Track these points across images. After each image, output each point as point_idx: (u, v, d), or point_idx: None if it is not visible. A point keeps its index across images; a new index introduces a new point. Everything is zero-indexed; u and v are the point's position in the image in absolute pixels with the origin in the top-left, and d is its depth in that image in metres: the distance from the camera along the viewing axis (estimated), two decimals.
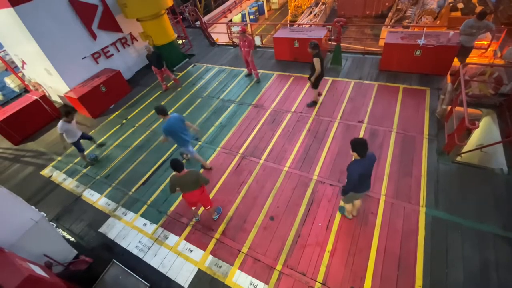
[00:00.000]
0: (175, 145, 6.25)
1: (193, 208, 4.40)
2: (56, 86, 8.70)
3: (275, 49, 9.02)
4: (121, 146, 6.84)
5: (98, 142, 7.01)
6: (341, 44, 7.76)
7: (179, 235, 4.62)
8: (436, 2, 14.62)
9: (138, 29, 9.53)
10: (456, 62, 6.57)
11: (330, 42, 8.83)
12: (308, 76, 6.33)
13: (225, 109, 7.27)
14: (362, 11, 19.98)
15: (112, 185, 5.83)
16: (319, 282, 3.68)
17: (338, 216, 4.38)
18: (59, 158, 6.95)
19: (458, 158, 4.90)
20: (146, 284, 3.88)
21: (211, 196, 5.07)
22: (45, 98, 8.35)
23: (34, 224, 3.88)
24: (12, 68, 9.66)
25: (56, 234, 4.44)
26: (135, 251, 4.54)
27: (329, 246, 4.04)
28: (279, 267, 3.92)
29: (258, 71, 8.21)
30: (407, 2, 17.40)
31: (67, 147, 6.72)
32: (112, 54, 9.20)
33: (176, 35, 9.95)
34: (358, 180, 3.33)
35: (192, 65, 9.94)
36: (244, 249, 4.21)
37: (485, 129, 5.70)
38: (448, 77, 6.62)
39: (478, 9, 12.11)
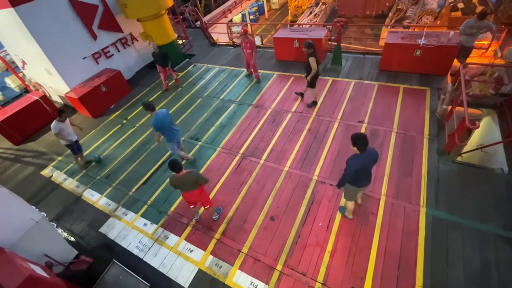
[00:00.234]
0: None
1: (192, 206, 4.39)
2: (56, 86, 8.71)
3: (275, 49, 9.03)
4: (121, 146, 6.85)
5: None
6: (341, 44, 7.76)
7: (179, 235, 4.62)
8: (437, 2, 14.62)
9: (139, 29, 9.54)
10: (456, 62, 6.57)
11: (330, 42, 8.84)
12: (304, 75, 6.33)
13: (225, 109, 7.27)
14: (362, 11, 19.99)
15: (112, 185, 5.84)
16: (319, 282, 3.68)
17: (338, 216, 4.38)
18: (60, 158, 6.96)
19: (459, 158, 4.90)
20: (147, 284, 3.88)
21: (211, 196, 5.07)
22: (45, 98, 8.36)
23: (34, 224, 3.89)
24: (12, 68, 9.68)
25: (56, 234, 4.44)
26: (135, 251, 4.54)
27: (330, 246, 4.03)
28: (279, 267, 3.92)
29: (259, 71, 8.20)
30: (408, 2, 17.39)
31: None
32: (113, 54, 9.21)
33: (176, 35, 9.96)
34: (354, 174, 3.40)
35: (193, 65, 9.95)
36: (245, 249, 4.21)
37: (486, 129, 5.70)
38: (449, 77, 6.61)
39: (479, 9, 12.09)
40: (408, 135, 5.44)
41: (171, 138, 5.18)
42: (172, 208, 5.07)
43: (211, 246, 4.35)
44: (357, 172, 3.39)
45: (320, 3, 21.91)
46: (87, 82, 8.39)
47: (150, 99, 8.46)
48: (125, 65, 9.64)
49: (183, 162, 5.93)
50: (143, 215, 5.08)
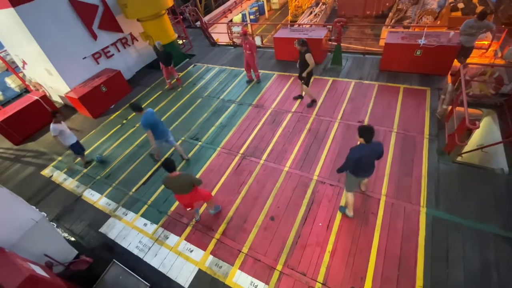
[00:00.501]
0: (174, 147, 6.25)
1: (188, 209, 4.37)
2: (56, 86, 8.71)
3: (276, 49, 9.03)
4: (121, 146, 6.85)
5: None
6: (341, 44, 7.76)
7: (179, 235, 4.62)
8: (437, 2, 14.62)
9: (139, 29, 9.54)
10: (456, 62, 6.57)
11: (330, 42, 8.83)
12: (297, 75, 6.28)
13: (225, 109, 7.27)
14: (362, 11, 20.00)
15: (112, 185, 5.84)
16: (319, 282, 3.68)
17: (338, 216, 4.38)
18: (60, 158, 6.96)
19: (459, 158, 4.90)
20: (147, 284, 3.88)
21: None
22: (45, 98, 8.36)
23: (34, 224, 3.89)
24: (12, 68, 9.68)
25: (56, 234, 4.44)
26: (135, 251, 4.54)
27: (330, 246, 4.03)
28: (279, 267, 3.92)
29: (259, 71, 8.20)
30: (408, 2, 17.39)
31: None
32: (113, 54, 9.21)
33: (176, 35, 9.96)
34: (354, 163, 3.55)
35: (193, 65, 9.95)
36: (245, 249, 4.21)
37: (486, 129, 5.70)
38: (449, 77, 6.61)
39: (479, 9, 12.09)
40: (408, 135, 5.44)
41: (160, 135, 5.24)
42: (172, 208, 5.07)
43: (211, 246, 4.35)
44: (356, 162, 3.51)
45: (320, 3, 21.91)
46: (87, 82, 8.39)
47: (150, 99, 8.46)
48: (125, 65, 9.64)
49: (183, 162, 5.94)
50: (143, 215, 5.08)
